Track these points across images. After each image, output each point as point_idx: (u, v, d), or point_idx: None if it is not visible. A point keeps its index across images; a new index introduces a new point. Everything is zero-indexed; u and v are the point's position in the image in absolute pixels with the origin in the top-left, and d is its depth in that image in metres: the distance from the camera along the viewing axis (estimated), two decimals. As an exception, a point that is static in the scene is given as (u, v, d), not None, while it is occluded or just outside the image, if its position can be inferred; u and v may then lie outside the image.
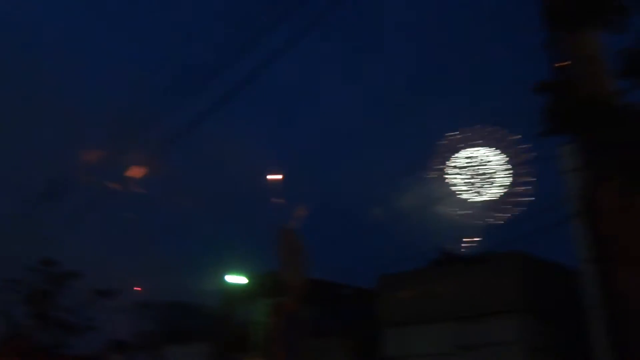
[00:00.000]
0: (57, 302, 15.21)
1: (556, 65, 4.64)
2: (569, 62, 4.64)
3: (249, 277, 31.63)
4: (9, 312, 15.39)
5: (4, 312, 15.63)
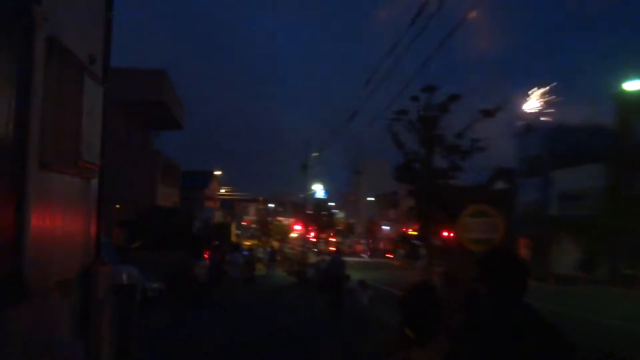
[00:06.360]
0: (442, 126, 15.43)
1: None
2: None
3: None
4: (401, 141, 16.38)
5: (398, 141, 16.69)
